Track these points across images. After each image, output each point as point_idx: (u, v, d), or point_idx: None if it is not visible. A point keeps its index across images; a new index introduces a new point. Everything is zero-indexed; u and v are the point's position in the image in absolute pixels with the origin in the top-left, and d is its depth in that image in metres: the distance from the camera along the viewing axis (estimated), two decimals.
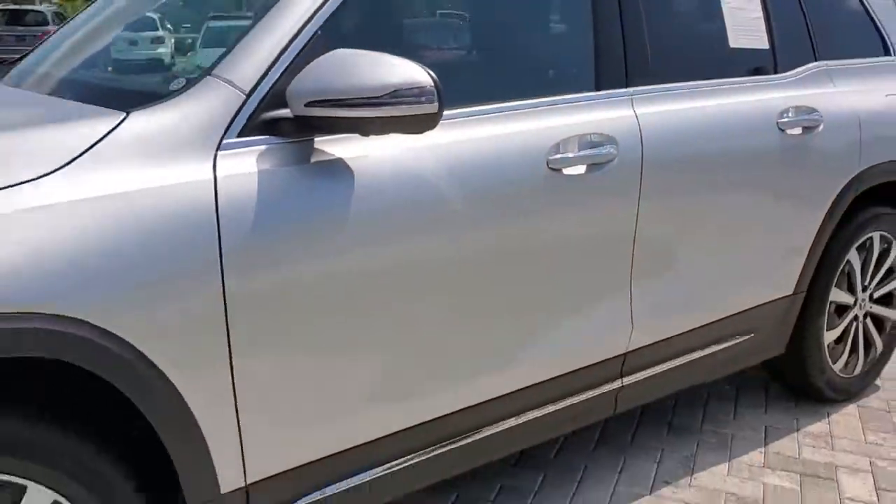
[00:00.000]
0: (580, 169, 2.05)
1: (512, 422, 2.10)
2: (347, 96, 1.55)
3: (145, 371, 1.45)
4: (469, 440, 2.03)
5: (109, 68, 2.41)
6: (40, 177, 1.39)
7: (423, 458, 1.95)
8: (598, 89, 2.17)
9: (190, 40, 3.39)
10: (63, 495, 1.43)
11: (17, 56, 2.65)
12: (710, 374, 2.73)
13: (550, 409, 2.18)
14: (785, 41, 2.73)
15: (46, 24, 23.26)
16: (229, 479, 1.63)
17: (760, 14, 2.67)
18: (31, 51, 2.57)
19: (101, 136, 1.48)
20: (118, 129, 1.50)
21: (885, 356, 3.26)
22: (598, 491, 2.52)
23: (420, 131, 1.62)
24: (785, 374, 3.12)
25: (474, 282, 1.89)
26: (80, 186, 1.41)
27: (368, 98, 1.56)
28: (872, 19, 3.11)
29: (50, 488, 1.42)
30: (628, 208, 2.18)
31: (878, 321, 3.19)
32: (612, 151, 2.11)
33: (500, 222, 1.91)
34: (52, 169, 1.41)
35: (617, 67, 2.21)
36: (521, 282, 1.99)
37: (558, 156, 2.00)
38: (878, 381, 3.31)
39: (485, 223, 1.87)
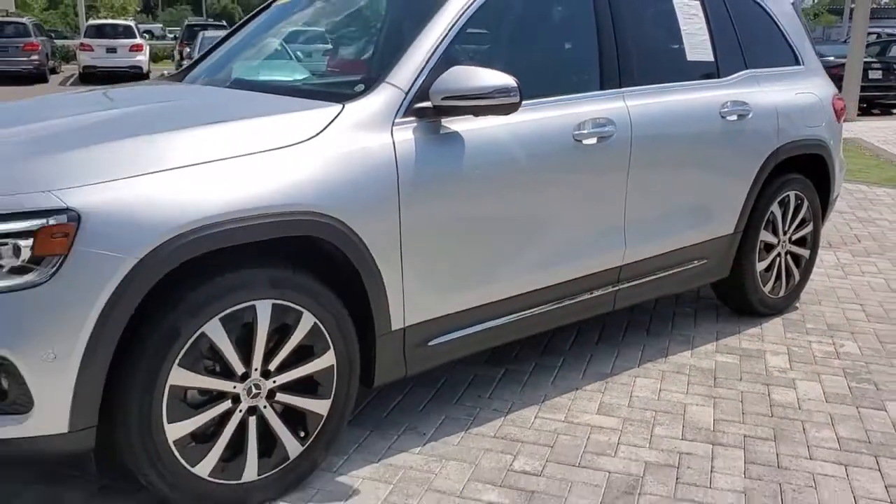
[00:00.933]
0: (593, 140, 3.20)
1: (557, 304, 3.24)
2: (467, 93, 2.67)
3: (360, 246, 2.54)
4: (538, 311, 3.16)
5: (309, 74, 3.47)
6: (309, 139, 2.49)
7: (513, 319, 3.08)
8: (601, 89, 3.33)
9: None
10: (318, 319, 2.51)
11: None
12: (678, 287, 3.91)
13: (577, 298, 3.32)
14: (724, 56, 3.92)
15: (28, 35, 23.98)
16: (396, 321, 2.73)
17: (707, 38, 3.86)
18: (202, 58, 3.66)
19: (334, 117, 2.58)
20: (341, 114, 2.60)
21: (801, 283, 4.48)
22: (602, 366, 3.66)
23: (507, 114, 2.75)
24: (729, 295, 4.30)
25: (534, 203, 3.04)
26: (329, 145, 2.51)
27: (479, 94, 2.68)
28: (787, 40, 4.32)
29: (313, 315, 2.50)
30: (623, 167, 3.33)
31: (796, 257, 4.40)
32: (612, 130, 3.26)
33: (547, 171, 3.06)
34: (314, 134, 2.51)
35: (613, 75, 3.37)
36: (560, 209, 3.14)
37: (579, 132, 3.15)
38: (797, 304, 4.51)
39: (538, 170, 3.02)
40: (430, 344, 2.86)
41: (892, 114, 17.05)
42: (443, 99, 2.69)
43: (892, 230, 6.31)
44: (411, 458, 2.82)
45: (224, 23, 32.32)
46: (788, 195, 4.22)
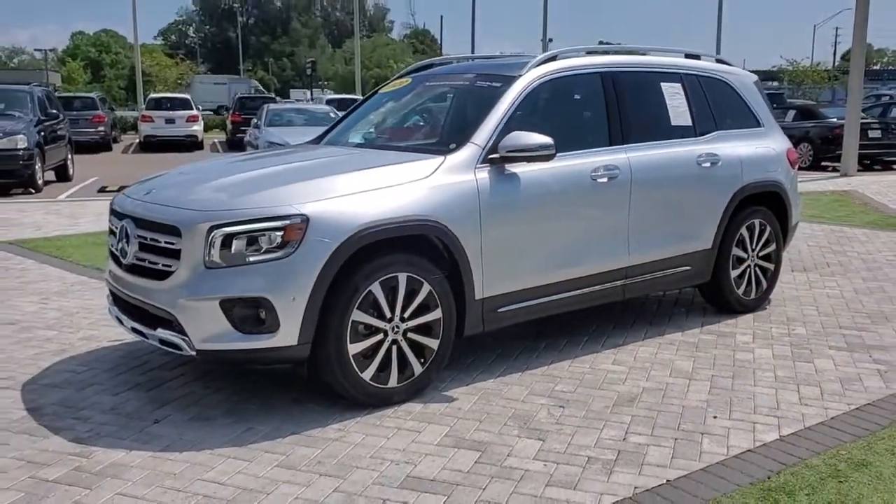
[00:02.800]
0: (605, 179, 4.77)
1: (582, 290, 4.75)
2: (522, 148, 4.25)
3: (457, 242, 4.08)
4: (569, 295, 4.68)
5: (416, 136, 5.07)
6: (426, 177, 4.07)
7: (553, 300, 4.60)
8: (609, 145, 4.91)
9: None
10: (432, 287, 4.04)
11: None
12: (670, 286, 5.43)
13: (596, 287, 4.84)
14: (700, 121, 5.49)
15: (96, 108, 26.27)
16: (478, 293, 4.26)
17: (687, 109, 5.43)
18: (330, 129, 5.32)
19: (440, 163, 4.17)
20: (444, 161, 4.19)
21: (768, 289, 5.96)
22: (615, 340, 5.14)
23: (547, 161, 4.33)
24: (712, 296, 5.76)
25: (565, 220, 4.60)
26: (437, 180, 4.09)
27: (529, 148, 4.25)
28: (749, 108, 5.89)
29: (429, 284, 4.03)
30: (626, 198, 4.89)
31: (763, 269, 5.88)
32: (617, 172, 4.83)
33: (573, 199, 4.63)
34: (428, 174, 4.09)
35: (617, 136, 4.95)
36: (582, 224, 4.70)
37: (595, 173, 4.72)
38: (766, 305, 5.97)
39: (568, 198, 4.60)
40: (498, 311, 4.39)
41: (892, 169, 18.52)
42: (507, 152, 4.27)
43: (857, 259, 7.75)
44: (488, 384, 4.33)
45: (273, 94, 34.62)
46: (754, 222, 5.72)
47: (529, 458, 3.46)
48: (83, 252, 7.99)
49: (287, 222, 3.68)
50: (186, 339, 3.74)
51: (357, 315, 3.83)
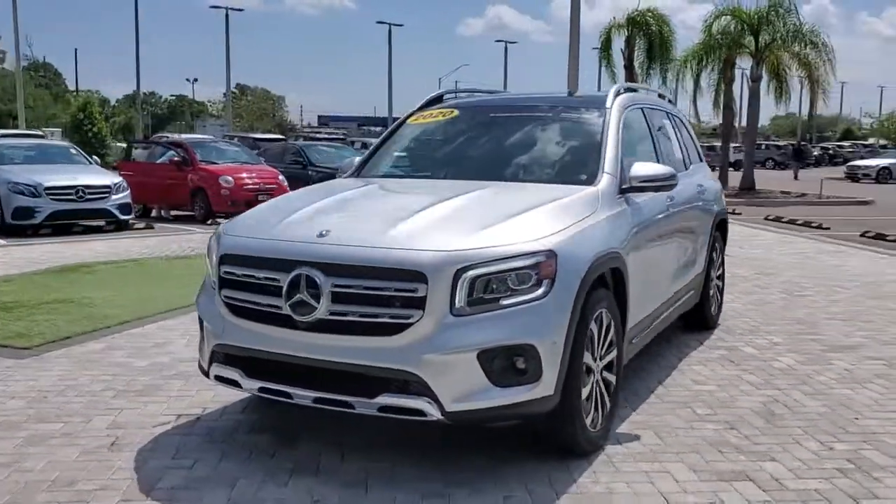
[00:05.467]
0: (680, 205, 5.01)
1: (673, 306, 4.93)
2: (654, 178, 4.30)
3: (627, 273, 4.00)
4: (663, 316, 4.80)
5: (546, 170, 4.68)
6: (593, 212, 3.90)
7: (655, 323, 4.67)
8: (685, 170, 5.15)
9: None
10: (613, 321, 3.89)
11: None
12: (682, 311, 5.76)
13: (670, 311, 5.03)
14: (685, 153, 5.96)
15: None
16: (629, 324, 4.19)
17: (678, 142, 5.87)
18: (370, 157, 4.85)
19: (598, 194, 4.05)
20: (597, 191, 4.08)
21: (722, 302, 6.62)
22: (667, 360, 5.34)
23: (671, 189, 4.43)
24: (698, 319, 6.23)
25: (669, 246, 4.74)
26: (605, 210, 3.96)
27: (661, 178, 4.31)
28: (696, 144, 6.52)
29: (613, 320, 3.87)
30: (685, 222, 5.17)
31: (720, 287, 6.52)
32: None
33: (671, 225, 4.79)
34: (596, 207, 3.94)
35: (684, 161, 5.20)
36: (675, 252, 4.88)
37: (671, 199, 4.92)
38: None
39: (670, 224, 4.76)
40: (633, 341, 4.36)
41: None
42: (639, 182, 4.28)
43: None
44: (639, 417, 4.26)
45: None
46: (717, 245, 6.34)
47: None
48: None
49: (540, 259, 3.32)
50: (432, 401, 3.18)
51: (585, 355, 3.57)
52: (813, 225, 14.99)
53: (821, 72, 23.17)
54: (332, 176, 16.26)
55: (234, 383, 3.58)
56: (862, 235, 13.63)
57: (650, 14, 25.06)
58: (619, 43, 25.78)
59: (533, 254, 3.32)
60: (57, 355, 5.33)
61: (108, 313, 6.54)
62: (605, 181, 4.19)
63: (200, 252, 10.44)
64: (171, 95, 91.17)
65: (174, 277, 8.40)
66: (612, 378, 3.91)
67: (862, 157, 43.94)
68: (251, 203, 14.73)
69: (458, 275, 3.20)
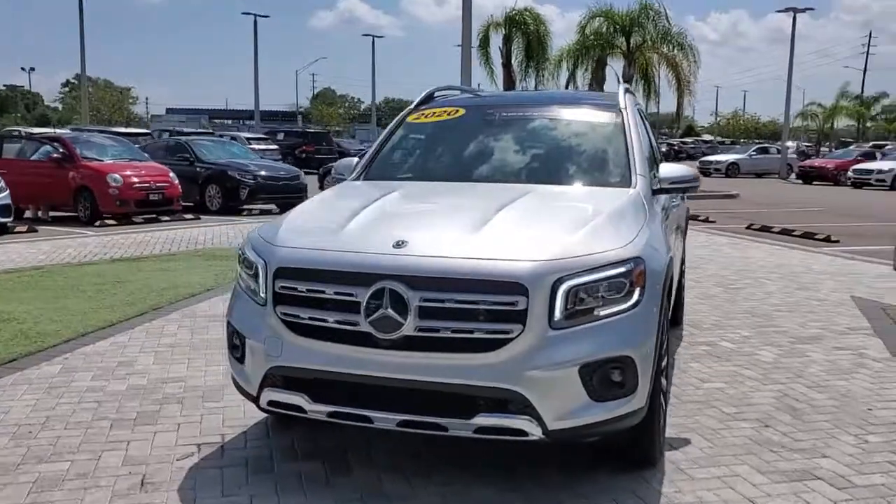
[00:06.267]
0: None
1: None
2: (682, 179, 4.28)
3: (672, 267, 3.97)
4: None
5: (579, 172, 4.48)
6: (646, 216, 3.81)
7: None
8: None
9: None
10: (665, 318, 3.84)
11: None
12: None
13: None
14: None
15: None
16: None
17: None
18: (374, 159, 4.56)
19: (640, 197, 3.97)
20: (638, 193, 4.00)
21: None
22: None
23: (696, 190, 4.43)
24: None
25: (678, 237, 4.73)
26: (651, 217, 3.88)
27: (689, 180, 4.30)
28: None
29: (665, 316, 3.83)
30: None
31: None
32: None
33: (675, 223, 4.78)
34: (645, 214, 3.84)
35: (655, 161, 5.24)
36: (680, 243, 4.87)
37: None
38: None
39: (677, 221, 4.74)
40: None
41: None
42: (669, 183, 4.26)
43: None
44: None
45: None
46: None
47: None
48: None
49: (631, 266, 3.20)
50: (535, 419, 3.00)
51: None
52: (700, 218, 15.74)
53: (687, 72, 24.39)
54: (222, 172, 15.97)
55: (294, 409, 3.24)
56: (748, 228, 14.49)
57: (528, 13, 25.52)
58: (496, 41, 26.10)
59: (626, 261, 3.20)
60: (12, 381, 4.70)
61: (43, 330, 5.86)
62: (640, 183, 4.13)
63: (104, 256, 9.57)
64: (4, 85, 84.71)
65: (91, 286, 7.62)
66: (664, 383, 3.86)
67: (704, 154, 46.86)
68: (142, 203, 13.78)
69: (555, 285, 3.03)
